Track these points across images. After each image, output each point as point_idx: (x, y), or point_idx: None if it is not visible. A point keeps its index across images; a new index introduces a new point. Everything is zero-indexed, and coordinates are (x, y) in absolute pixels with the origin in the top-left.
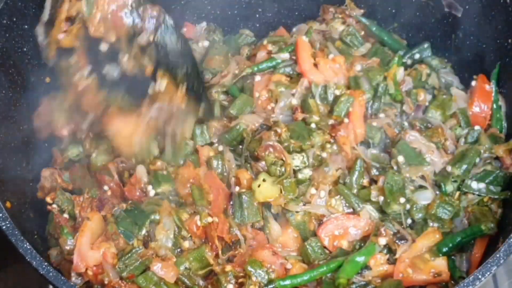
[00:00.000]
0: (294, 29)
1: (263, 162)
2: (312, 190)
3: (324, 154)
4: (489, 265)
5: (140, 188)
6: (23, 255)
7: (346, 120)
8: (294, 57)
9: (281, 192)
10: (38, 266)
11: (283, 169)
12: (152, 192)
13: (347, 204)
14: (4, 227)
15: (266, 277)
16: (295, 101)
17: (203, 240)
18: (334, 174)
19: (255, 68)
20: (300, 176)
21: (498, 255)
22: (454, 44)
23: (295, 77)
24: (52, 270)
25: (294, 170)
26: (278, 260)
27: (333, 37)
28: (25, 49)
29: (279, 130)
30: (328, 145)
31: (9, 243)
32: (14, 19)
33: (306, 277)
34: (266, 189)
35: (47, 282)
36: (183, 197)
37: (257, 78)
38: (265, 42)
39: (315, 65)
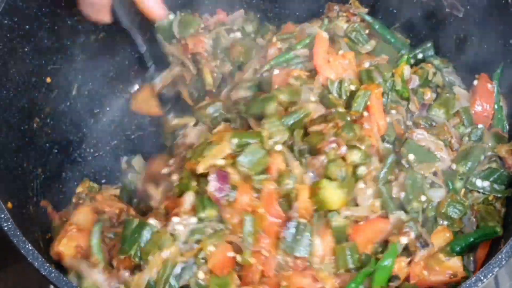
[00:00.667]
0: (297, 28)
1: (322, 157)
2: (361, 185)
3: (363, 147)
4: (491, 266)
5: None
6: (25, 256)
7: (365, 113)
8: (308, 51)
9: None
10: (40, 267)
11: (343, 170)
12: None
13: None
14: (5, 228)
15: None
16: (313, 98)
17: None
18: (376, 167)
19: (273, 62)
20: (358, 172)
21: (500, 257)
22: (456, 44)
23: (311, 73)
24: (54, 271)
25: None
26: (317, 285)
27: (338, 35)
28: (26, 49)
29: (340, 123)
30: (367, 138)
31: (10, 243)
32: (15, 19)
33: None
34: (334, 195)
35: (48, 282)
36: (232, 225)
37: (275, 71)
38: (274, 39)
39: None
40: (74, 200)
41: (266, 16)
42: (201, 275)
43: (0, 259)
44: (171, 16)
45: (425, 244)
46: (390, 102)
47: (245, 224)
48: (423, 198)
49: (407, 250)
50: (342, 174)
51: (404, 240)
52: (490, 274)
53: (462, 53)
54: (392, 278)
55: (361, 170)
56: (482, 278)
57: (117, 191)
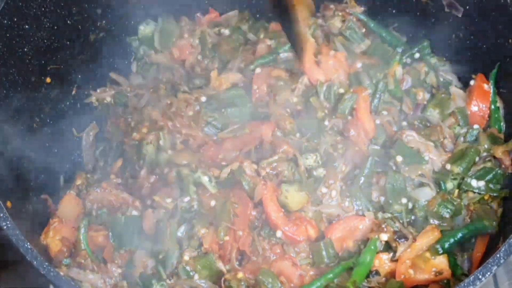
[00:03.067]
0: None
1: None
2: (323, 189)
3: (335, 154)
4: (489, 265)
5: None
6: (24, 255)
7: (349, 117)
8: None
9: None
10: (39, 266)
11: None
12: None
13: (357, 203)
14: (5, 227)
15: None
16: (295, 99)
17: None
18: (343, 171)
19: (259, 61)
20: (314, 173)
21: (498, 255)
22: (455, 44)
23: (295, 73)
24: (53, 270)
25: (306, 168)
26: (297, 271)
27: (333, 33)
28: (25, 49)
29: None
30: (340, 146)
31: (10, 243)
32: (15, 19)
33: (313, 286)
34: (295, 197)
35: (48, 281)
36: (207, 210)
37: (258, 70)
38: (261, 36)
39: (317, 63)
40: (73, 192)
41: (264, 15)
42: (186, 257)
43: (0, 259)
44: (153, 26)
45: (403, 237)
46: (382, 103)
47: (216, 205)
48: (404, 200)
49: (392, 248)
50: (297, 177)
51: (384, 237)
52: (489, 273)
53: (460, 53)
54: (372, 273)
55: (319, 172)
56: (480, 276)
57: (119, 180)
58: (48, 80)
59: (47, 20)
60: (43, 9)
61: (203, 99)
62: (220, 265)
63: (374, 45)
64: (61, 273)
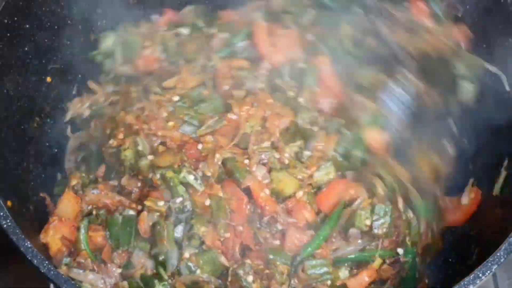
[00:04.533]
0: (236, 17)
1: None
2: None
3: (315, 128)
4: (489, 264)
5: None
6: (24, 253)
7: (317, 89)
8: (250, 41)
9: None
10: (39, 264)
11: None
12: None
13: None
14: (5, 226)
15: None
16: (261, 85)
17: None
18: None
19: (216, 56)
20: (302, 160)
21: (498, 254)
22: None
23: (256, 60)
24: (53, 269)
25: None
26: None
27: (276, 11)
28: (26, 49)
29: None
30: (321, 119)
31: (10, 242)
32: (15, 19)
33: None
34: (286, 183)
35: (49, 281)
36: (202, 209)
37: (218, 64)
38: (212, 31)
39: (272, 44)
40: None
41: (212, 2)
42: (186, 254)
43: (1, 258)
44: (113, 38)
45: None
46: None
47: (211, 204)
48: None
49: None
50: (286, 162)
51: None
52: (489, 272)
53: None
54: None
55: (305, 155)
56: (480, 275)
57: (115, 182)
58: (49, 79)
59: (47, 20)
60: (43, 9)
61: (176, 98)
62: (223, 260)
63: (320, 14)
64: (61, 273)
